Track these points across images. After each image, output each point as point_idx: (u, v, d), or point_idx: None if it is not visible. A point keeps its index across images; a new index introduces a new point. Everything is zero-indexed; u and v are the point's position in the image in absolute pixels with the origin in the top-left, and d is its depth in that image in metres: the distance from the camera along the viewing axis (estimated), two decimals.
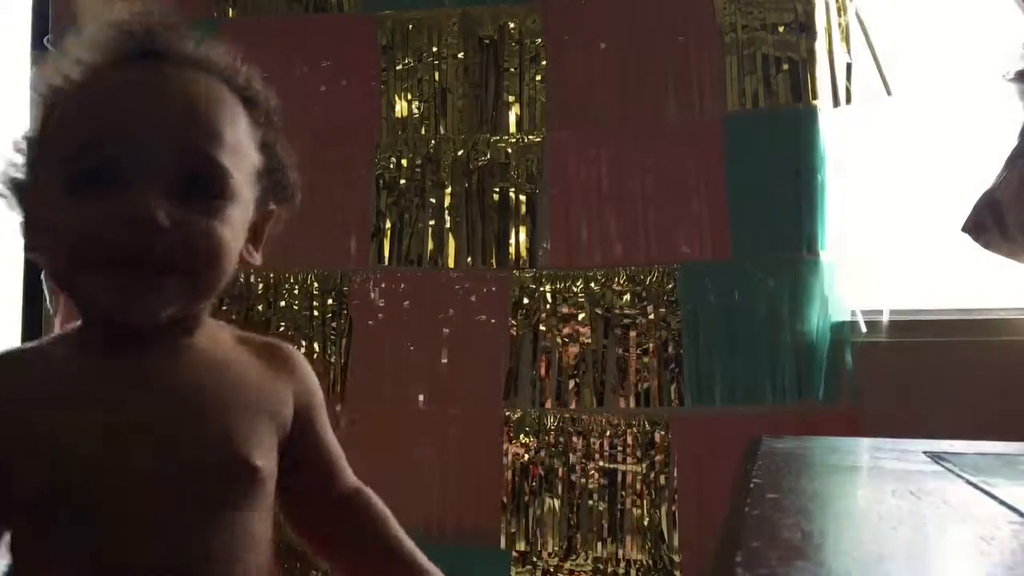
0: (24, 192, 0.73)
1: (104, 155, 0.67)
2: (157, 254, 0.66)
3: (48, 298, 2.19)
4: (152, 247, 0.65)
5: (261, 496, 0.75)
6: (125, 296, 0.66)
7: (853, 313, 1.92)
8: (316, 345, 2.15)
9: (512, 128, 2.12)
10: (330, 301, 2.15)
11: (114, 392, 0.69)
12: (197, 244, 0.68)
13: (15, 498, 0.66)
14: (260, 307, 2.18)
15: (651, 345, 2.00)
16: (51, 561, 0.66)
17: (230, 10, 2.29)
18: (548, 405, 2.03)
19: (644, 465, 1.97)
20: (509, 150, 2.11)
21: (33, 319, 2.24)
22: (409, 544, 0.88)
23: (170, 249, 0.66)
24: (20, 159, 0.73)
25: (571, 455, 2.01)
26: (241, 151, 0.74)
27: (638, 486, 1.97)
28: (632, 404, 1.99)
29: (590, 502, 1.99)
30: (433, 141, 2.15)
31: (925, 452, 0.93)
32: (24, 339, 2.24)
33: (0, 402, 0.69)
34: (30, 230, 0.73)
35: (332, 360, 2.14)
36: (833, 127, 1.95)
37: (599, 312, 2.03)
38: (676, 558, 1.92)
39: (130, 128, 0.68)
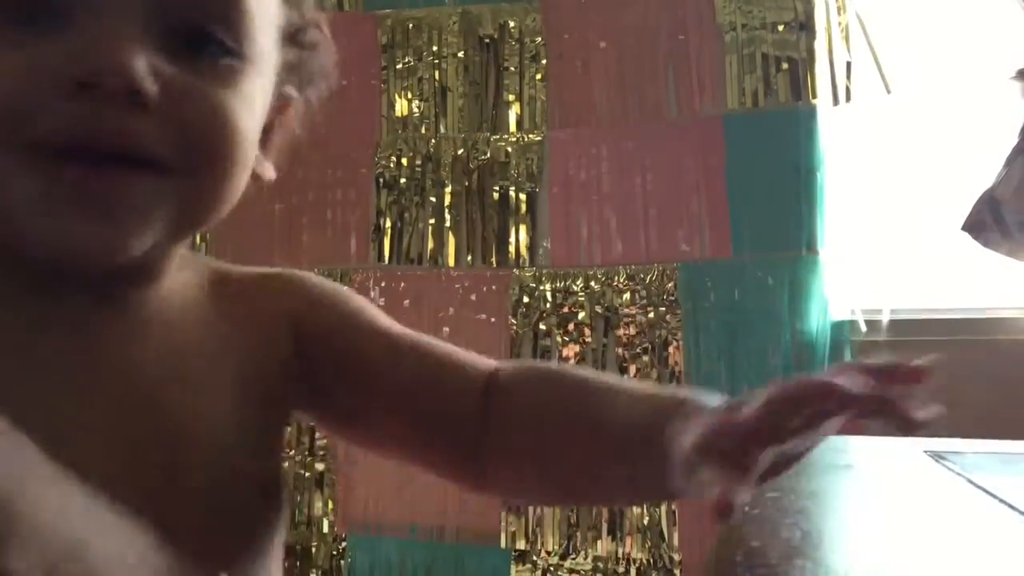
0: None
1: None
2: (137, 142, 0.41)
3: None
4: (127, 128, 0.41)
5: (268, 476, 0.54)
6: (75, 214, 0.41)
7: (853, 312, 1.92)
8: None
9: (512, 127, 2.12)
10: None
11: (19, 384, 0.44)
12: (202, 128, 0.44)
13: None
14: None
15: (651, 344, 2.00)
16: None
17: None
18: None
19: None
20: (509, 149, 2.12)
21: None
22: (622, 384, 0.61)
23: (158, 134, 0.42)
24: None
25: None
26: (262, 17, 0.48)
27: None
28: None
29: None
30: (433, 140, 2.15)
31: (925, 451, 0.93)
32: None
33: None
34: None
35: None
36: (833, 126, 1.95)
37: (599, 311, 2.03)
38: (676, 556, 1.93)
39: None
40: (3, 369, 0.43)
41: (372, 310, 0.62)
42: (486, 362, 0.61)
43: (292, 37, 0.55)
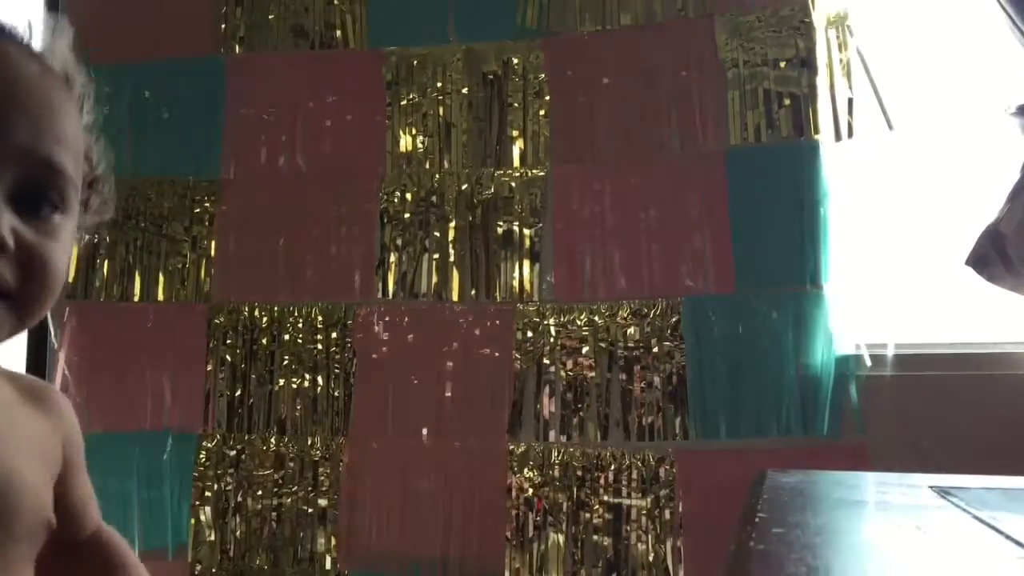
0: None
1: None
2: None
3: (53, 332, 2.21)
4: None
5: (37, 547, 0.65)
6: None
7: (857, 347, 1.92)
8: (320, 379, 2.15)
9: (516, 162, 2.14)
10: (334, 334, 2.16)
11: None
12: (37, 273, 0.59)
13: None
14: (264, 340, 2.18)
15: (655, 378, 1.99)
16: None
17: (236, 47, 2.31)
18: (552, 439, 2.02)
19: (649, 499, 1.96)
20: (513, 184, 2.13)
21: (39, 353, 2.24)
22: None
23: (9, 273, 0.58)
24: None
25: (575, 489, 2.00)
26: (78, 153, 0.64)
27: (643, 520, 1.96)
28: (636, 438, 1.99)
29: (595, 537, 1.97)
30: (437, 175, 2.17)
31: (931, 487, 0.93)
32: (28, 369, 2.25)
33: None
34: None
35: (336, 394, 2.14)
36: (835, 161, 1.96)
37: (603, 345, 2.03)
38: None
39: None
40: None
41: (82, 453, 0.75)
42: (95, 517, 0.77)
43: (90, 184, 0.68)
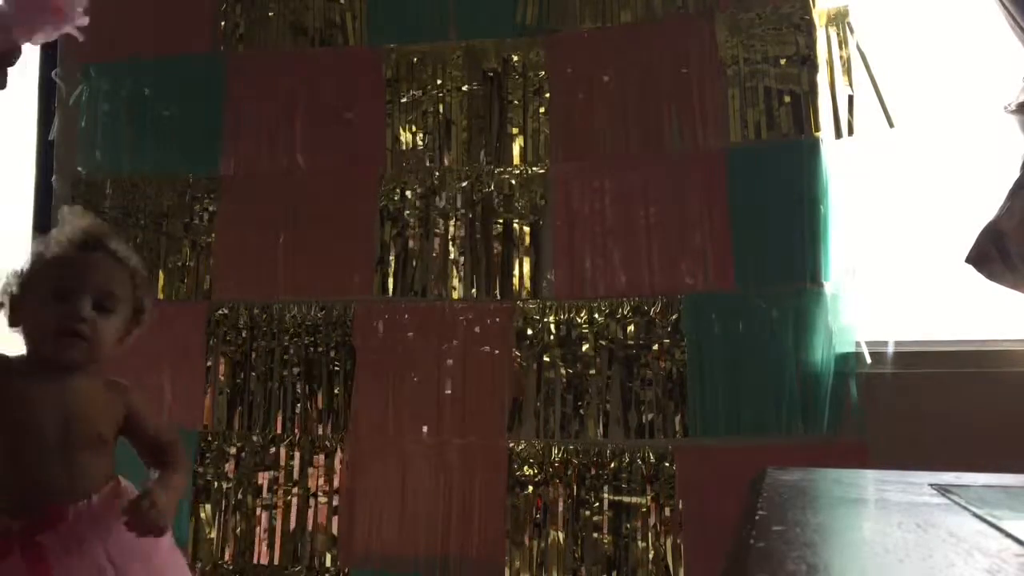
0: (16, 299, 1.31)
1: (67, 289, 1.27)
2: (82, 330, 1.25)
3: None
4: (81, 329, 1.25)
5: (105, 448, 1.32)
6: (65, 350, 1.26)
7: (857, 344, 1.92)
8: (319, 376, 2.15)
9: (516, 159, 2.13)
10: (334, 332, 2.16)
11: (46, 388, 1.26)
12: (98, 333, 1.27)
13: None
14: (264, 338, 2.18)
15: (655, 376, 1.99)
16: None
17: (237, 44, 2.31)
18: (552, 436, 2.03)
19: (649, 497, 1.96)
20: (513, 181, 2.13)
21: None
22: (167, 477, 1.35)
23: (88, 332, 1.26)
24: (15, 283, 1.31)
25: (575, 487, 2.00)
26: (124, 295, 1.32)
27: (643, 518, 1.96)
28: (636, 435, 1.99)
29: (595, 534, 1.98)
30: (437, 172, 2.17)
31: (931, 484, 0.93)
32: None
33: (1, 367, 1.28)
34: (15, 316, 1.30)
35: (336, 391, 2.14)
36: (836, 159, 1.95)
37: (603, 343, 2.03)
38: None
39: (79, 277, 1.28)
40: (29, 393, 1.26)
41: (144, 409, 1.40)
42: (167, 435, 1.46)
43: (136, 305, 1.35)
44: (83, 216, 1.37)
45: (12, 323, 1.30)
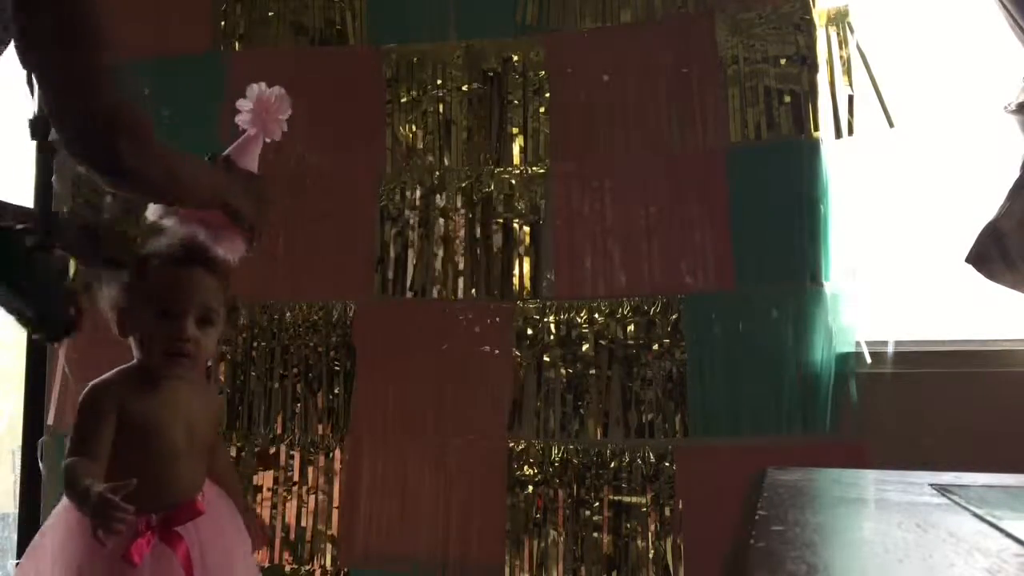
0: (124, 312, 1.36)
1: (171, 310, 1.33)
2: (187, 349, 1.33)
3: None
4: (187, 349, 1.33)
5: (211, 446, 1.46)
6: (172, 367, 1.34)
7: (858, 344, 1.92)
8: (319, 376, 2.15)
9: (516, 159, 2.13)
10: (334, 332, 2.16)
11: (166, 398, 1.36)
12: (201, 348, 1.36)
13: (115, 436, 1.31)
14: (264, 338, 2.18)
15: (656, 376, 1.99)
16: (119, 472, 1.23)
17: (236, 44, 2.31)
18: (552, 436, 2.03)
19: (649, 496, 1.97)
20: (513, 181, 2.13)
21: (40, 351, 2.26)
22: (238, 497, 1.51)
23: (191, 351, 1.34)
24: (123, 298, 1.35)
25: (575, 487, 2.00)
26: (220, 308, 1.39)
27: (643, 517, 1.96)
28: (636, 435, 1.99)
29: (595, 534, 1.98)
30: (437, 172, 2.17)
31: (931, 484, 0.93)
32: (29, 367, 2.30)
33: (115, 384, 1.34)
34: (124, 329, 1.36)
35: (336, 391, 2.14)
36: (836, 159, 1.95)
37: (603, 343, 2.03)
38: None
39: (182, 298, 1.34)
40: (153, 404, 1.36)
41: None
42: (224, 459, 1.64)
43: (230, 306, 1.42)
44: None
45: (122, 334, 1.37)
